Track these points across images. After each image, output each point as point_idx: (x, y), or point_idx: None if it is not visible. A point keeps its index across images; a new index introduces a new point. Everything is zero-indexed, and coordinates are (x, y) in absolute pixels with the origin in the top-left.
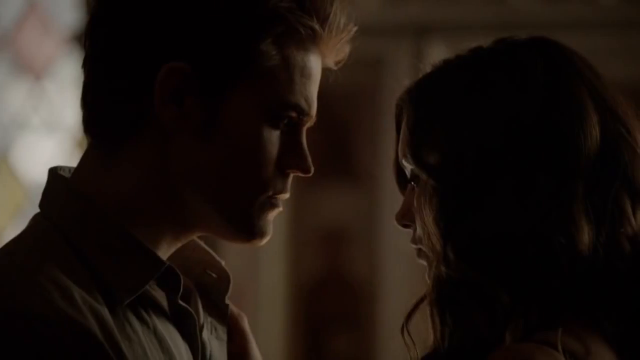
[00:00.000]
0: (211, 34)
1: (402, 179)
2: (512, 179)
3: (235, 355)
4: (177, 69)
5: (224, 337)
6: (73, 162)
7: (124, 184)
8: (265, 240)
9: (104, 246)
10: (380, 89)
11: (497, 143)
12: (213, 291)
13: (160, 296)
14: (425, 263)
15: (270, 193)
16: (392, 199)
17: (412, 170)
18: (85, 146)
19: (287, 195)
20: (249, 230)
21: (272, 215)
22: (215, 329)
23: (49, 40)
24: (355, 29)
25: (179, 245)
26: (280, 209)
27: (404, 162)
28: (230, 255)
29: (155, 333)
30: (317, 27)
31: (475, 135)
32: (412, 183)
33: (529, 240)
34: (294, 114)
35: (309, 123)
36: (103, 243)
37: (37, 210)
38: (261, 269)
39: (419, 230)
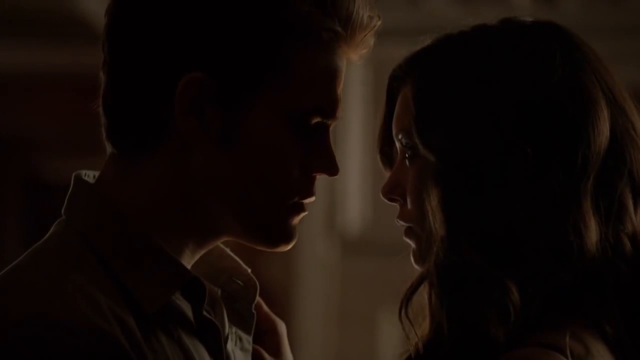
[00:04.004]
0: (231, 43)
1: (387, 154)
2: (523, 171)
3: None
4: (197, 79)
5: (249, 347)
6: None
7: (147, 192)
8: (291, 245)
9: (128, 255)
10: None
11: (509, 131)
12: (239, 299)
13: (185, 306)
14: (412, 243)
15: (297, 199)
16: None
17: (407, 145)
18: None
19: (313, 199)
20: (276, 236)
21: (298, 219)
22: (240, 339)
23: None
24: (379, 22)
25: (202, 252)
26: (306, 212)
27: (402, 138)
28: None
29: (180, 345)
30: (339, 29)
31: (488, 120)
32: (406, 159)
33: (540, 236)
34: (318, 118)
35: (334, 122)
36: (127, 251)
37: None
38: None
39: (410, 208)
